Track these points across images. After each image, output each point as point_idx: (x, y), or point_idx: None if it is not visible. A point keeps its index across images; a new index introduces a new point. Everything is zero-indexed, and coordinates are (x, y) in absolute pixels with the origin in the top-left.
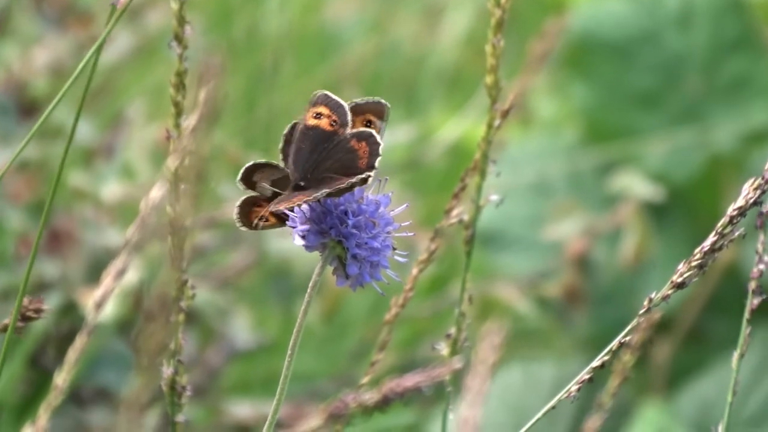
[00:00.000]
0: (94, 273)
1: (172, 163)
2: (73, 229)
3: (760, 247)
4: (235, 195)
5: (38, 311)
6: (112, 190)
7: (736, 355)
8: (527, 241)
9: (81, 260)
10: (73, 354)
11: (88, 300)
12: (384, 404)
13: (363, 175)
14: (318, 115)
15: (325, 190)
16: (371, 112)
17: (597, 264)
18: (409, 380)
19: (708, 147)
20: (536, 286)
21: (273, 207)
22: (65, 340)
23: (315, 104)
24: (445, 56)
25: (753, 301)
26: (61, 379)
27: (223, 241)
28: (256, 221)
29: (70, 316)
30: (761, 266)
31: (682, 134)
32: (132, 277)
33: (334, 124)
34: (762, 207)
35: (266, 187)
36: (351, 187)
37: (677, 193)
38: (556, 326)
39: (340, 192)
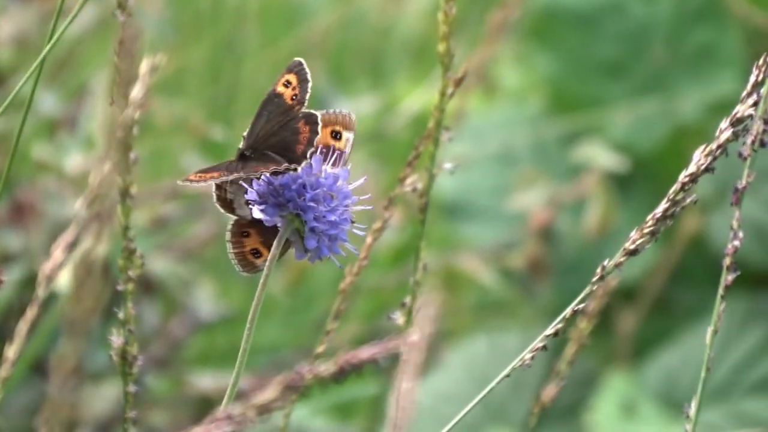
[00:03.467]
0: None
1: (113, 132)
2: (36, 201)
3: (735, 224)
4: (197, 165)
5: None
6: (75, 161)
7: (709, 330)
8: (492, 211)
9: (44, 232)
10: (23, 326)
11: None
12: (340, 376)
13: (291, 166)
14: (287, 84)
15: (245, 174)
16: (339, 124)
17: (561, 234)
18: (365, 352)
19: (672, 117)
20: (500, 257)
21: (196, 174)
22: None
23: (288, 71)
24: (410, 27)
25: (728, 278)
26: (12, 351)
27: (186, 212)
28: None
29: (33, 288)
30: (736, 242)
31: (647, 104)
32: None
33: (294, 98)
34: (738, 183)
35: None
36: (275, 173)
37: (642, 162)
38: (521, 297)
39: (258, 176)
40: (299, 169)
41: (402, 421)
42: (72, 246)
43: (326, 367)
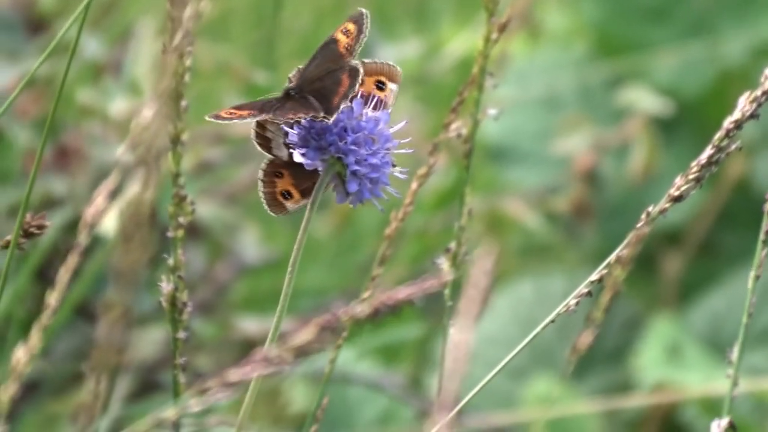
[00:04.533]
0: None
1: (159, 80)
2: (81, 146)
3: None
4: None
5: (41, 227)
6: (119, 106)
7: (751, 275)
8: (537, 155)
9: (89, 177)
10: (65, 273)
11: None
12: (376, 317)
13: (320, 115)
14: (345, 32)
15: (274, 117)
16: (385, 74)
17: (605, 178)
18: (401, 293)
19: (717, 61)
20: (545, 201)
21: (226, 111)
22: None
23: (351, 19)
24: None
25: None
26: (53, 298)
27: (230, 157)
28: (283, 202)
29: (77, 233)
30: None
31: (692, 48)
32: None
33: (347, 48)
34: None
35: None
36: (304, 120)
37: (686, 107)
38: (566, 240)
39: (286, 121)
40: (330, 120)
41: (454, 374)
42: (115, 192)
43: (362, 308)
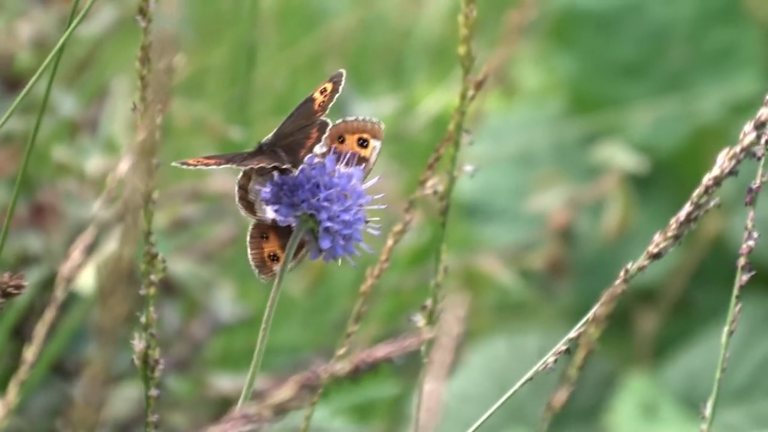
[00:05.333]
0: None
1: (136, 137)
2: (57, 203)
3: (749, 224)
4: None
5: (18, 287)
6: (95, 163)
7: (725, 331)
8: (511, 212)
9: (64, 234)
10: (41, 328)
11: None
12: (355, 375)
13: (285, 166)
14: (323, 91)
15: (239, 166)
16: (368, 132)
17: (580, 235)
18: (381, 351)
19: (693, 117)
20: (520, 258)
21: (194, 159)
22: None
23: (330, 79)
24: (430, 28)
25: (742, 278)
26: (31, 353)
27: (206, 214)
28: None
29: (53, 289)
30: (750, 242)
31: (667, 104)
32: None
33: (321, 105)
34: (752, 183)
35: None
36: (267, 170)
37: (662, 163)
38: (541, 297)
39: (248, 168)
40: (295, 171)
41: (427, 423)
42: (90, 248)
43: (342, 366)
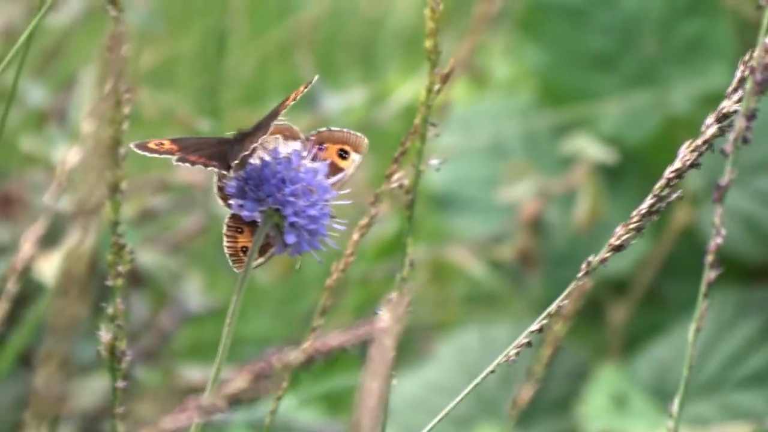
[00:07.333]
0: (45, 237)
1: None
2: (24, 193)
3: (717, 221)
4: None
5: None
6: (62, 154)
7: (692, 327)
8: (482, 203)
9: (32, 224)
10: None
11: (40, 264)
12: (309, 364)
13: (210, 167)
14: (297, 93)
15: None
16: (349, 144)
17: (551, 226)
18: (335, 340)
19: (663, 109)
20: (490, 249)
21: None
22: (16, 303)
23: (305, 85)
24: (401, 18)
25: (710, 275)
26: None
27: (174, 205)
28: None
29: (21, 280)
30: (719, 240)
31: (637, 96)
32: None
33: (284, 106)
34: (720, 180)
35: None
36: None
37: (632, 155)
38: (511, 289)
39: (194, 152)
40: (229, 174)
41: (366, 423)
42: (48, 239)
43: (296, 356)
